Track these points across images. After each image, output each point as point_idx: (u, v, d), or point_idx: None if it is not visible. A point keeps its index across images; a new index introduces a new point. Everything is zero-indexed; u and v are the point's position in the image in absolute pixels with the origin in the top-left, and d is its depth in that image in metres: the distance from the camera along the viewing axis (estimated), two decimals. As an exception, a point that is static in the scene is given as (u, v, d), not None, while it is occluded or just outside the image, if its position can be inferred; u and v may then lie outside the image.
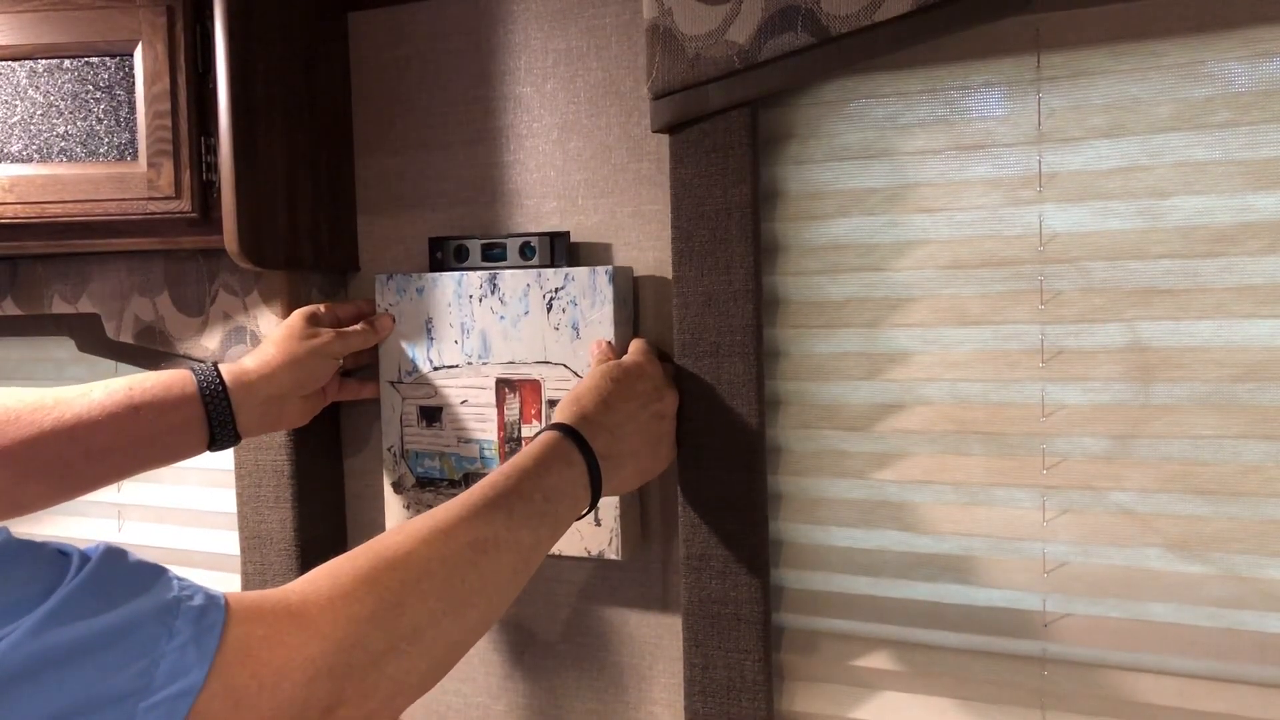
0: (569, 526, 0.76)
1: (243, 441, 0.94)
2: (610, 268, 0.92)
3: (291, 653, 0.55)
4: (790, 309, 0.90)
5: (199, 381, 0.90)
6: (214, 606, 0.54)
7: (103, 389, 0.87)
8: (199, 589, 0.55)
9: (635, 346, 0.90)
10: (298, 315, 0.97)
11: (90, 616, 0.50)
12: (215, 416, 0.90)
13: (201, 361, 1.07)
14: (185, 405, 0.89)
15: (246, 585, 1.09)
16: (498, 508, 0.69)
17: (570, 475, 0.76)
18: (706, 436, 0.88)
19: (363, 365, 1.04)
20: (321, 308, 1.00)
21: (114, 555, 0.53)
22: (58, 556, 0.52)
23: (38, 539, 0.54)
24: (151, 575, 0.54)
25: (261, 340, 1.04)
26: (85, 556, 0.52)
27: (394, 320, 1.01)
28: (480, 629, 0.68)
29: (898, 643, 0.88)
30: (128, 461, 0.89)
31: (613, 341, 0.92)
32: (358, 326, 1.00)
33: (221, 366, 0.92)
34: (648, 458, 0.85)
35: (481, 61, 1.02)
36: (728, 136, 0.85)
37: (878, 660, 0.89)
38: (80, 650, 0.49)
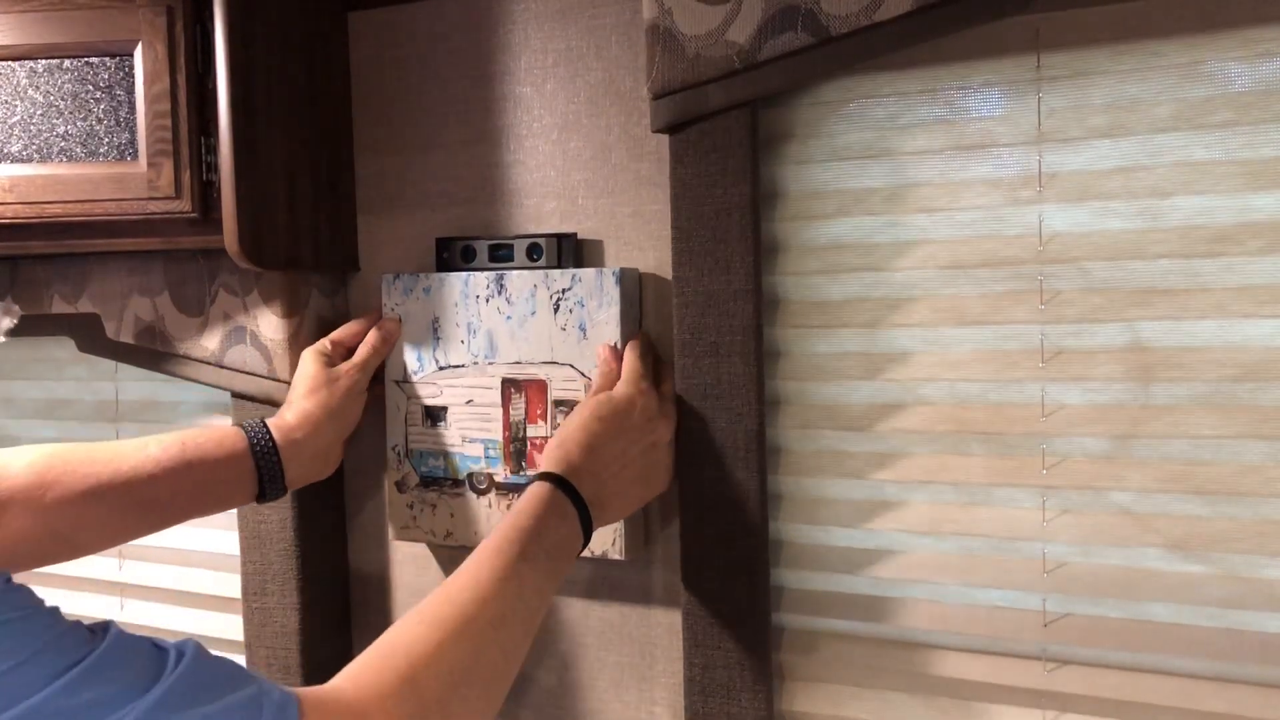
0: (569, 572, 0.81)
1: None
2: (618, 269, 0.92)
3: None
4: (790, 309, 0.90)
5: (250, 440, 0.92)
6: (290, 702, 0.60)
7: (158, 444, 0.90)
8: (274, 685, 0.61)
9: (627, 373, 0.89)
10: (314, 361, 0.98)
11: (193, 707, 0.56)
12: (266, 473, 0.93)
13: (202, 362, 1.07)
14: (237, 462, 0.92)
15: (246, 585, 1.09)
16: (509, 580, 0.74)
17: (566, 528, 0.80)
18: (706, 436, 0.88)
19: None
20: (329, 343, 1.00)
21: (204, 651, 0.60)
22: (155, 650, 0.59)
23: None
24: (238, 671, 0.61)
25: (263, 343, 1.04)
26: (180, 651, 0.59)
27: (400, 323, 1.01)
28: (506, 687, 0.74)
29: (898, 643, 0.88)
30: (179, 513, 0.94)
31: (618, 344, 0.92)
32: (370, 344, 1.00)
33: (269, 422, 0.94)
34: (638, 491, 0.87)
35: (481, 61, 1.02)
36: (728, 136, 0.85)
37: (878, 660, 0.89)
38: None
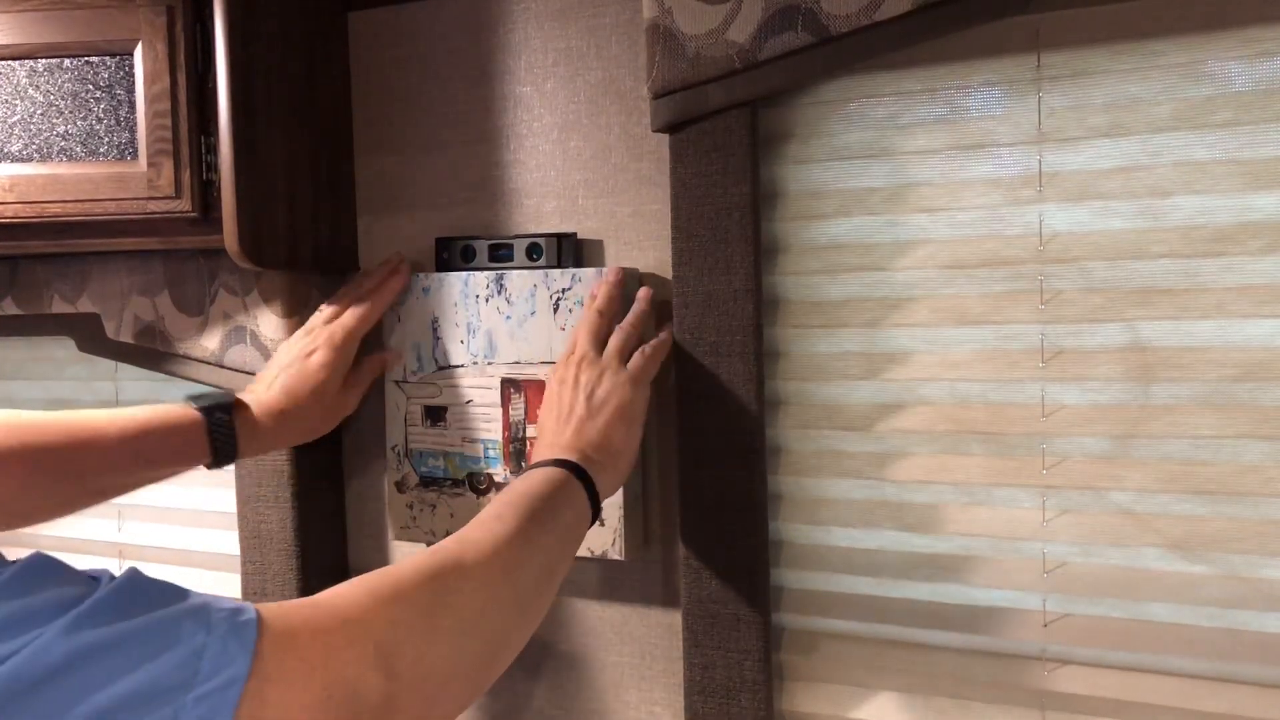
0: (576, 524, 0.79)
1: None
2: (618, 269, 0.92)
3: (333, 636, 0.56)
4: (790, 309, 0.90)
5: (210, 431, 0.91)
6: (245, 608, 0.54)
7: (113, 425, 0.89)
8: (226, 598, 0.56)
9: (574, 336, 0.89)
10: (298, 335, 0.99)
11: (123, 619, 0.50)
12: (221, 449, 0.92)
13: (202, 362, 1.07)
14: (193, 445, 0.91)
15: (246, 585, 1.09)
16: (516, 536, 0.71)
17: (578, 504, 0.78)
18: (706, 436, 0.88)
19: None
20: (319, 311, 1.00)
21: (139, 573, 0.55)
22: (87, 577, 0.53)
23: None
24: (176, 588, 0.55)
25: (263, 343, 1.04)
26: (113, 576, 0.53)
27: (404, 261, 1.01)
28: (524, 623, 0.70)
29: (898, 643, 0.88)
30: (124, 490, 0.93)
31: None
32: (353, 314, 0.98)
33: (242, 397, 0.94)
34: (625, 459, 0.85)
35: (481, 61, 1.02)
36: (728, 136, 0.85)
37: (878, 660, 0.89)
38: (116, 647, 0.49)
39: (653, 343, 0.88)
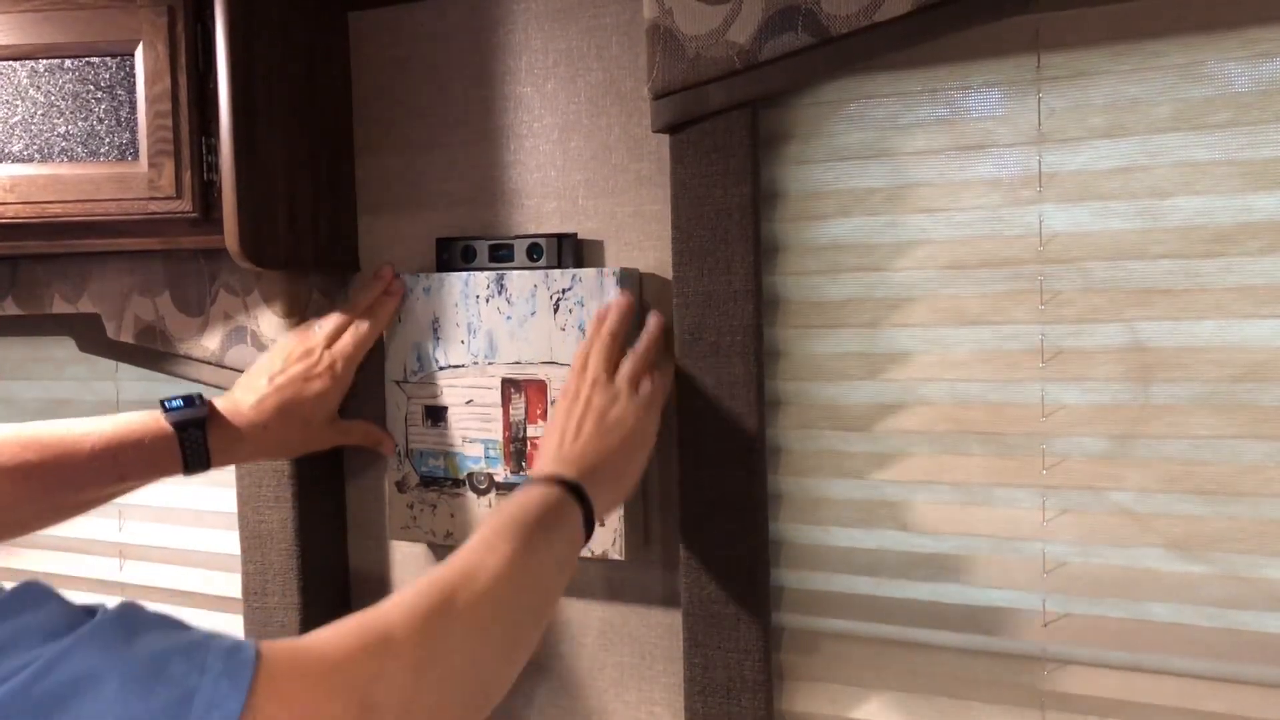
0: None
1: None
2: (618, 269, 0.92)
3: (321, 687, 0.56)
4: (790, 309, 0.90)
5: (181, 444, 0.91)
6: (244, 646, 0.54)
7: (90, 435, 0.90)
8: (227, 634, 0.56)
9: (580, 359, 0.88)
10: (297, 346, 0.98)
11: (117, 650, 0.50)
12: (192, 457, 0.92)
13: (203, 362, 1.07)
14: (166, 457, 0.91)
15: (247, 585, 1.09)
16: (514, 562, 0.70)
17: (571, 523, 0.78)
18: (706, 436, 0.88)
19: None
20: (320, 334, 0.99)
21: (137, 605, 0.54)
22: (81, 608, 0.53)
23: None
24: (174, 622, 0.55)
25: (263, 343, 1.04)
26: (107, 609, 0.53)
27: (396, 277, 1.01)
28: (515, 659, 0.70)
29: (898, 643, 0.88)
30: (99, 501, 0.94)
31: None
32: (353, 338, 0.98)
33: (219, 405, 0.94)
34: (625, 482, 0.85)
35: (481, 61, 1.02)
36: (728, 136, 0.85)
37: (878, 660, 0.89)
38: (107, 677, 0.49)
39: (663, 370, 0.89)
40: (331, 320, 1.00)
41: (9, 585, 0.53)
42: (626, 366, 0.87)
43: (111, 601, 0.55)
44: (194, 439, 0.91)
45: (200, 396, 0.94)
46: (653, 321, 0.90)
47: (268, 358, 0.99)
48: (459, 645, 0.65)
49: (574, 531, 0.77)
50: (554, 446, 0.83)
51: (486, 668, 0.67)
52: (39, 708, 0.47)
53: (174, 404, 0.92)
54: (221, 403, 0.94)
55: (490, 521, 0.74)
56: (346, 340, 0.98)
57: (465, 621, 0.66)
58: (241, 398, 0.95)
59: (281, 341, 1.00)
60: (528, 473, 0.81)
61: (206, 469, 0.93)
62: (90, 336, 1.12)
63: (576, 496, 0.78)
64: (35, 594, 0.52)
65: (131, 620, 0.53)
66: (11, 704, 0.46)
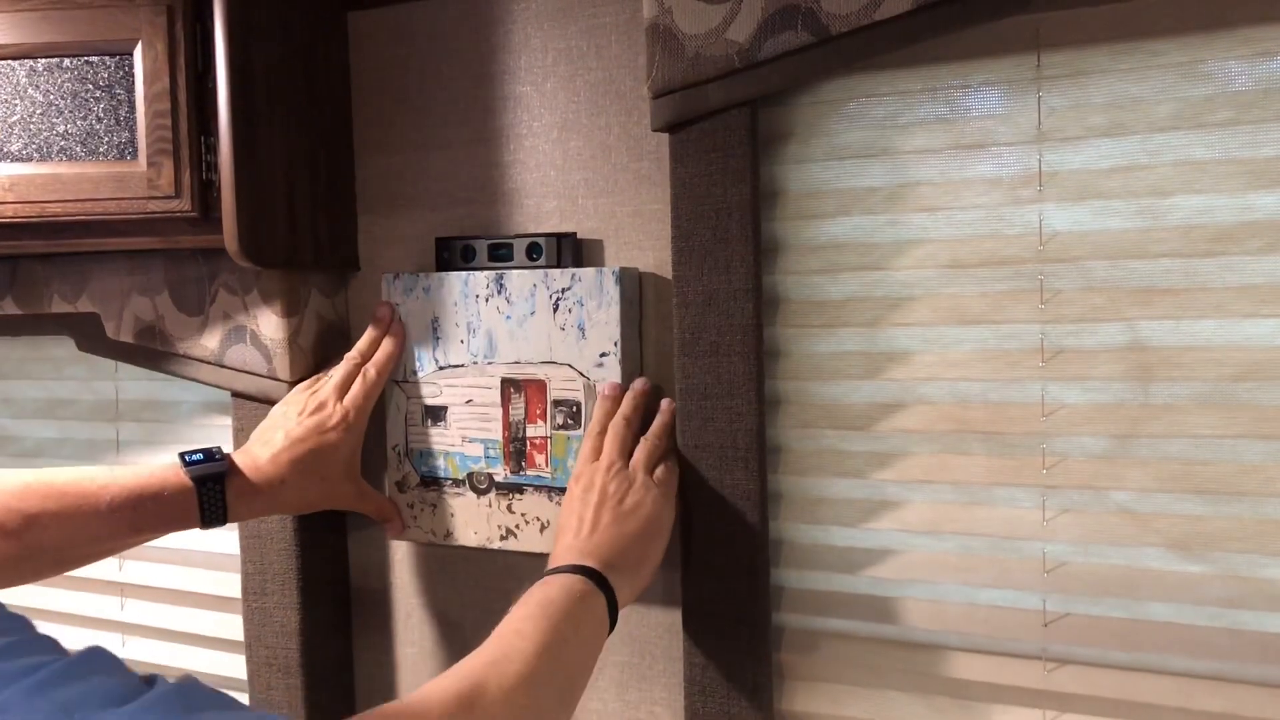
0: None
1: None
2: (617, 269, 0.92)
3: None
4: (790, 308, 0.90)
5: (199, 499, 0.91)
6: None
7: (110, 489, 0.89)
8: (276, 715, 0.57)
9: (586, 458, 0.88)
10: (307, 406, 0.97)
11: (178, 715, 0.51)
12: (210, 512, 0.92)
13: (202, 362, 1.07)
14: (182, 512, 0.91)
15: (246, 585, 1.09)
16: (551, 645, 0.72)
17: (597, 612, 0.78)
18: (706, 435, 0.88)
19: None
20: (326, 378, 0.99)
21: (197, 681, 0.56)
22: (139, 678, 0.54)
23: None
24: (231, 700, 0.56)
25: (263, 343, 1.04)
26: (168, 681, 0.55)
27: (397, 320, 1.01)
28: None
29: (898, 643, 0.88)
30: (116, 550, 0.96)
31: (618, 382, 0.92)
32: (362, 390, 0.98)
33: (238, 460, 0.93)
34: (647, 568, 0.86)
35: (481, 61, 1.02)
36: (728, 136, 0.85)
37: (878, 660, 0.89)
38: None
39: (674, 457, 0.89)
40: (340, 370, 0.99)
41: (75, 649, 0.55)
42: (641, 454, 0.87)
43: (142, 656, 0.55)
44: (212, 494, 0.91)
45: (219, 450, 0.93)
46: (665, 406, 0.90)
47: (281, 413, 0.98)
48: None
49: (599, 618, 0.78)
50: (571, 533, 0.83)
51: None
52: None
53: (194, 457, 0.92)
54: (239, 458, 0.94)
55: (516, 613, 0.75)
56: (356, 391, 0.98)
57: (496, 710, 0.68)
58: (258, 453, 0.95)
59: (293, 395, 1.00)
60: (548, 566, 0.81)
61: (223, 524, 0.92)
62: (89, 336, 1.12)
63: (600, 586, 0.78)
64: (103, 660, 0.54)
65: (190, 694, 0.54)
66: None
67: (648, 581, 0.86)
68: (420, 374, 1.01)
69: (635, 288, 0.94)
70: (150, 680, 0.54)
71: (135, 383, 1.23)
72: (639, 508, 0.84)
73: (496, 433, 0.98)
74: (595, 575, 0.79)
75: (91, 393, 1.27)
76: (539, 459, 0.96)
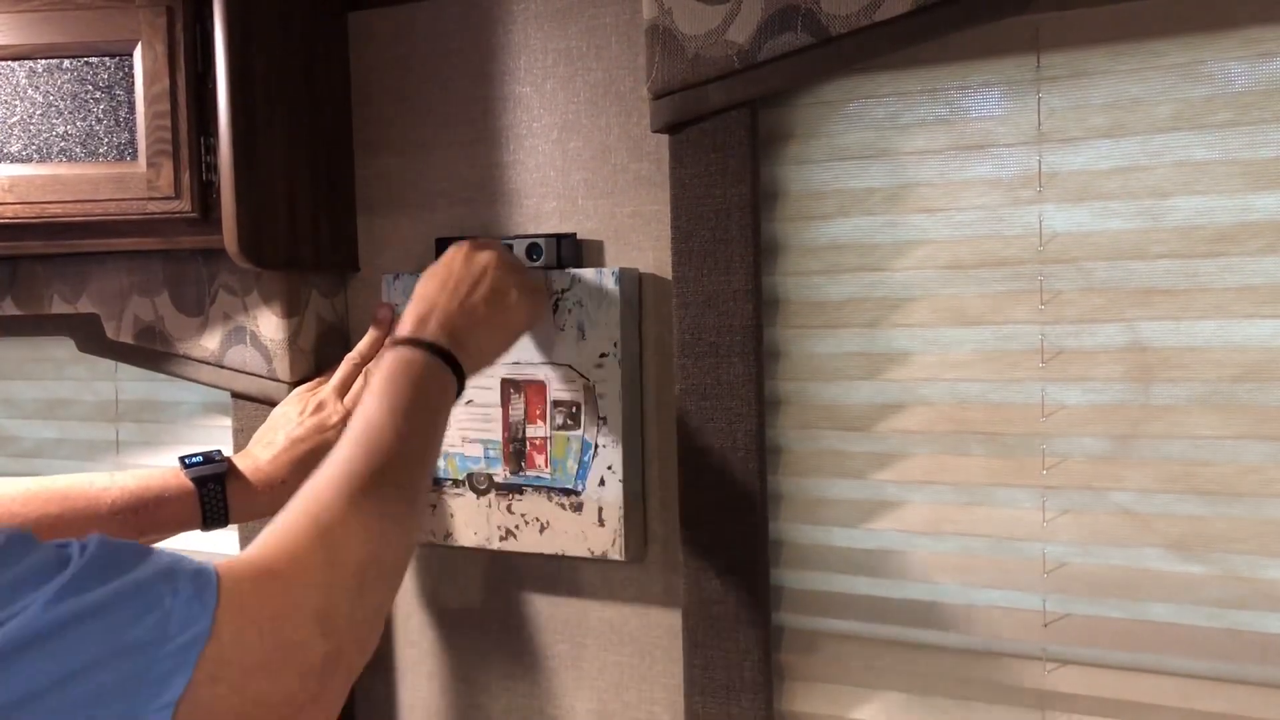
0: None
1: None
2: (617, 269, 0.92)
3: (279, 602, 0.61)
4: (790, 309, 0.90)
5: (201, 500, 0.91)
6: (206, 567, 0.59)
7: (111, 493, 0.90)
8: (187, 557, 0.60)
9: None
10: (305, 406, 0.98)
11: (102, 585, 0.55)
12: (211, 514, 0.92)
13: (202, 362, 1.07)
14: (184, 513, 0.92)
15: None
16: (400, 432, 0.73)
17: (443, 380, 0.78)
18: (706, 436, 0.88)
19: None
20: (327, 379, 1.00)
21: (108, 539, 0.59)
22: (57, 547, 0.58)
23: None
24: (144, 549, 0.60)
25: (263, 343, 1.04)
26: (83, 545, 0.58)
27: (396, 319, 1.00)
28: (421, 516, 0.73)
29: (898, 643, 0.88)
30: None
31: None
32: (367, 374, 0.98)
33: (238, 462, 0.94)
34: (500, 335, 0.85)
35: (481, 61, 1.02)
36: (728, 136, 0.85)
37: (878, 660, 0.89)
38: (98, 610, 0.54)
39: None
40: (340, 371, 0.99)
41: None
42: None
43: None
44: (213, 495, 0.91)
45: (219, 452, 0.93)
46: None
47: (282, 414, 0.98)
48: (395, 545, 0.69)
49: (448, 387, 0.78)
50: (429, 300, 0.82)
51: (409, 543, 0.72)
52: (36, 643, 0.52)
53: (194, 460, 0.92)
54: (240, 460, 0.94)
55: (370, 392, 0.75)
56: (357, 391, 0.98)
57: (382, 501, 0.69)
58: (259, 454, 0.95)
59: (293, 395, 1.00)
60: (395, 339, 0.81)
61: (225, 525, 0.92)
62: (89, 336, 1.12)
63: (444, 359, 0.79)
64: (18, 541, 0.56)
65: (110, 555, 0.58)
66: (9, 645, 0.52)
67: (492, 360, 0.86)
68: (420, 374, 1.01)
69: (635, 288, 0.94)
70: (65, 546, 0.57)
71: (135, 383, 1.23)
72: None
73: (496, 433, 0.98)
74: (443, 352, 0.79)
75: (91, 393, 1.26)
76: (539, 459, 0.96)
